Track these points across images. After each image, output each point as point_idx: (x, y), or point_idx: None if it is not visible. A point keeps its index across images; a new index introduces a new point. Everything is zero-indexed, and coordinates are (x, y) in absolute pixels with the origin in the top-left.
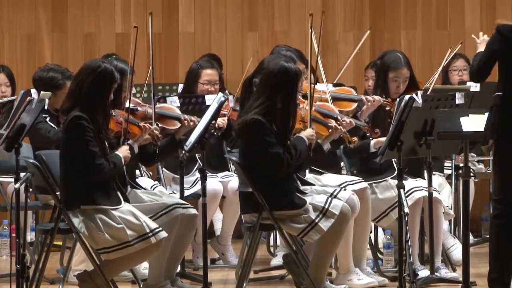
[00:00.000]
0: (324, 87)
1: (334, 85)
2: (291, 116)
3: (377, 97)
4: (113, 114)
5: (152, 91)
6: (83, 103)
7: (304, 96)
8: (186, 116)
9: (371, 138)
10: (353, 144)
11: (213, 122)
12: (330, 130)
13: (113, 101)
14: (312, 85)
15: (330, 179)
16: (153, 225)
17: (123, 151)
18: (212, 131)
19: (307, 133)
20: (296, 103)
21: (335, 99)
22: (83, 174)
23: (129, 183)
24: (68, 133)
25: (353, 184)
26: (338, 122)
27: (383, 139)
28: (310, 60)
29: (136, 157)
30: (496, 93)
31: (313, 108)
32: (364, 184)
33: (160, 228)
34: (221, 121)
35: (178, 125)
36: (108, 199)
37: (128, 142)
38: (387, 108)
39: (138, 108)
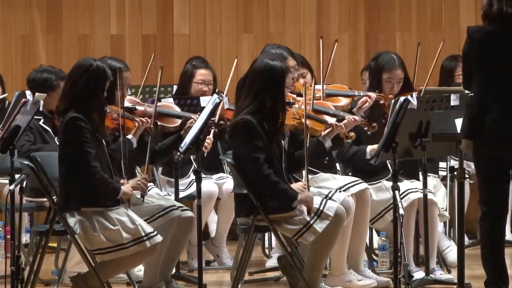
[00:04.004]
0: (318, 86)
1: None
2: (280, 113)
3: (372, 94)
4: (108, 110)
5: (157, 92)
6: (79, 103)
7: (299, 95)
8: (186, 115)
9: (369, 133)
10: (351, 139)
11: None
12: (328, 127)
13: (107, 98)
14: (310, 86)
15: (332, 181)
16: (149, 229)
17: (126, 187)
18: (215, 130)
19: (302, 196)
20: (284, 100)
21: (328, 95)
22: (81, 175)
23: None
24: (66, 134)
25: (354, 185)
26: (337, 120)
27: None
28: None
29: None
30: (469, 94)
31: (308, 107)
32: (365, 185)
33: (155, 233)
34: (207, 144)
35: (178, 123)
36: (106, 201)
37: (127, 137)
38: (381, 102)
39: (137, 107)
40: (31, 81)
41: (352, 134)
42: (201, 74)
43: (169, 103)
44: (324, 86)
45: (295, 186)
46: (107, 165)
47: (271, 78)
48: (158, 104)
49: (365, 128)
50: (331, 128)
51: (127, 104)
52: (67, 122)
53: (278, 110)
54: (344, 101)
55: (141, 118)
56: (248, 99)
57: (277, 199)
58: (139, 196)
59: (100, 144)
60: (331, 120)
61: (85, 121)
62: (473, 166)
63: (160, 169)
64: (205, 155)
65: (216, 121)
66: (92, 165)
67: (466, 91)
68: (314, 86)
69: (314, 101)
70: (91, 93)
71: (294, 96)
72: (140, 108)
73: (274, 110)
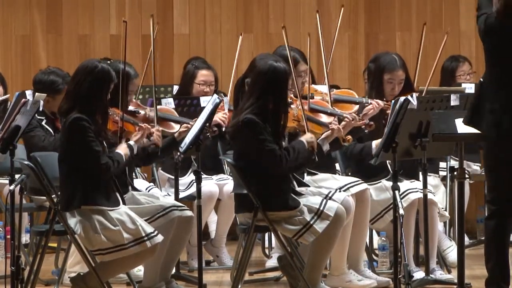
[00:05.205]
0: (325, 89)
1: (330, 86)
2: (282, 115)
3: (380, 102)
4: (110, 113)
5: (153, 93)
6: (82, 104)
7: (304, 97)
8: (185, 120)
9: (366, 131)
10: (348, 142)
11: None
12: (328, 129)
13: (111, 100)
14: (307, 85)
15: (332, 181)
16: (149, 229)
17: (122, 149)
18: (208, 134)
19: (306, 137)
20: (286, 101)
21: (336, 101)
22: (87, 174)
23: (129, 184)
24: (70, 134)
25: (354, 186)
26: (336, 120)
27: None
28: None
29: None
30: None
31: (305, 107)
32: (365, 186)
33: (156, 233)
34: (222, 117)
35: (177, 128)
36: (108, 200)
37: (129, 142)
38: (388, 112)
39: (140, 111)
40: (37, 83)
41: (349, 137)
42: (203, 75)
43: (169, 108)
44: (333, 90)
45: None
46: None
47: (274, 79)
48: (159, 107)
49: (362, 127)
50: (330, 132)
51: (130, 108)
52: (71, 122)
53: (280, 111)
54: (355, 108)
55: (142, 125)
56: (251, 100)
57: (279, 196)
58: (140, 198)
59: (102, 145)
60: (329, 119)
61: (88, 122)
62: (473, 166)
63: (160, 167)
64: (223, 129)
65: (212, 128)
66: (103, 162)
67: (465, 85)
68: (309, 83)
69: (311, 100)
70: (95, 94)
71: (291, 95)
72: (142, 112)
73: (276, 111)
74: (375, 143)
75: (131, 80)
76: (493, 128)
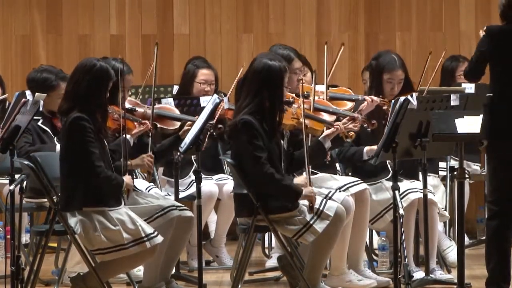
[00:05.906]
0: (322, 88)
1: (329, 86)
2: (277, 112)
3: (374, 98)
4: (109, 111)
5: (152, 92)
6: (82, 103)
7: (298, 95)
8: (185, 117)
9: (368, 129)
10: (350, 138)
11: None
12: (329, 128)
13: (110, 98)
14: (307, 85)
15: (332, 181)
16: (149, 229)
17: (127, 178)
18: (212, 131)
19: (307, 190)
20: (282, 99)
21: (333, 99)
22: (84, 175)
23: None
24: (70, 134)
25: (353, 186)
26: (337, 118)
27: (376, 147)
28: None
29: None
30: (487, 94)
31: (308, 106)
32: (364, 186)
33: (156, 234)
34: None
35: (177, 125)
36: (108, 200)
37: (126, 136)
38: (384, 108)
39: (137, 109)
40: (30, 81)
41: (351, 133)
42: (203, 74)
43: (168, 106)
44: (328, 89)
45: (298, 180)
46: (109, 165)
47: (269, 77)
48: (158, 106)
49: (364, 125)
50: (332, 129)
51: (127, 105)
52: (71, 122)
53: (276, 109)
54: (350, 105)
55: (143, 121)
56: (248, 99)
57: (279, 198)
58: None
59: (102, 144)
60: (331, 118)
61: (88, 121)
62: (473, 166)
63: (161, 169)
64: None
65: (214, 124)
66: (97, 164)
67: (465, 85)
68: (314, 85)
69: (315, 99)
70: (94, 93)
71: (293, 95)
72: (140, 110)
73: (272, 109)
74: (366, 149)
75: (123, 76)
76: (494, 129)
